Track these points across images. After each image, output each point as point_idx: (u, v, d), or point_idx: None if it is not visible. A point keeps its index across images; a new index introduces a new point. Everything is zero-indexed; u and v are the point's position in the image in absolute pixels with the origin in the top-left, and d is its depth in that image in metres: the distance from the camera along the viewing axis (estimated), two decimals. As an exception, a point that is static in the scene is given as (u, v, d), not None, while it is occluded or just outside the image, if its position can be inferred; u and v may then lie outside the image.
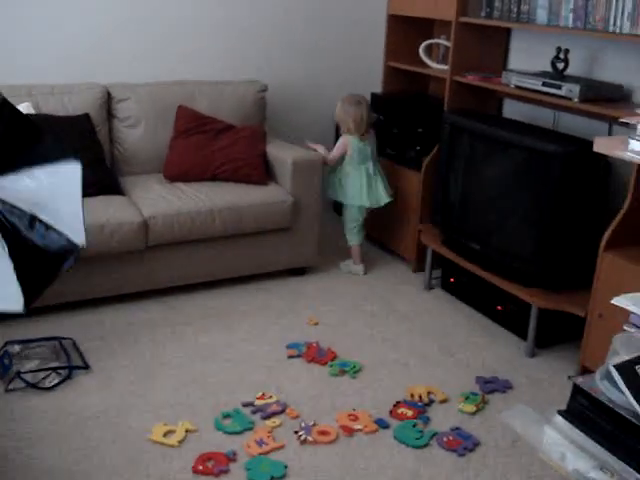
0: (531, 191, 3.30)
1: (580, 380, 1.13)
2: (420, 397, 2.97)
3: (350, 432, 2.73)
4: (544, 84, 3.35)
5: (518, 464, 2.61)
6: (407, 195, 4.17)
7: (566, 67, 3.43)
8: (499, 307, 3.60)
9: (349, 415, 2.82)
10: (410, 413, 2.87)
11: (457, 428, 2.80)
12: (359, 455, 2.62)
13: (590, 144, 3.22)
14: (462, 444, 2.70)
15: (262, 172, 3.93)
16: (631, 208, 3.05)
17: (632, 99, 3.38)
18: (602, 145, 1.28)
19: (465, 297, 3.85)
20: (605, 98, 3.29)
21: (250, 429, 2.70)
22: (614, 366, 1.03)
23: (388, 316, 3.68)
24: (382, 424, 2.79)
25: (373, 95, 4.42)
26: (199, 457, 2.53)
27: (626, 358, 1.09)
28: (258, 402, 2.86)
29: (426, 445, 2.69)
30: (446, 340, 3.47)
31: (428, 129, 4.07)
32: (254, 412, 2.81)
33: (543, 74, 3.49)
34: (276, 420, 2.76)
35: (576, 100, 3.22)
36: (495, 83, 3.71)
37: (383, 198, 4.09)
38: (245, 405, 2.84)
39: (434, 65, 4.16)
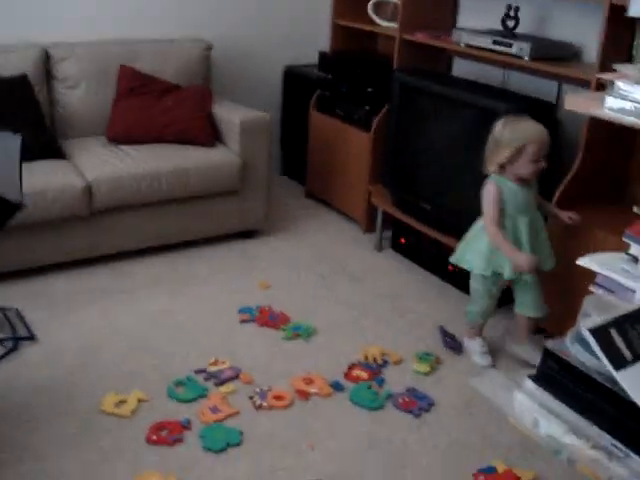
0: (482, 150, 3.28)
1: (551, 344, 1.11)
2: (374, 359, 2.96)
3: (305, 396, 2.71)
4: (495, 42, 3.32)
5: (474, 424, 2.63)
6: (357, 155, 4.12)
7: (516, 25, 3.40)
8: (450, 267, 3.61)
9: (304, 379, 2.79)
10: (365, 375, 2.86)
11: (412, 389, 2.80)
12: (315, 419, 2.60)
13: (540, 102, 3.23)
14: (417, 405, 2.70)
15: (209, 133, 3.83)
16: (581, 167, 3.06)
17: (582, 58, 3.38)
18: (575, 103, 1.21)
19: (416, 258, 3.84)
20: (555, 57, 3.28)
21: (204, 396, 2.65)
22: (589, 330, 1.01)
23: (340, 277, 3.65)
24: (337, 387, 2.77)
25: (321, 54, 4.34)
26: (153, 426, 2.47)
27: (598, 320, 1.07)
28: (211, 368, 2.82)
29: (381, 407, 2.68)
30: (399, 301, 3.47)
31: (377, 88, 4.01)
32: (207, 379, 2.76)
33: (493, 32, 3.46)
34: (230, 386, 2.72)
35: (527, 59, 3.20)
36: (445, 41, 3.66)
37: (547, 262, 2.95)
38: (198, 372, 2.79)
39: (383, 23, 4.09)
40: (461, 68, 3.99)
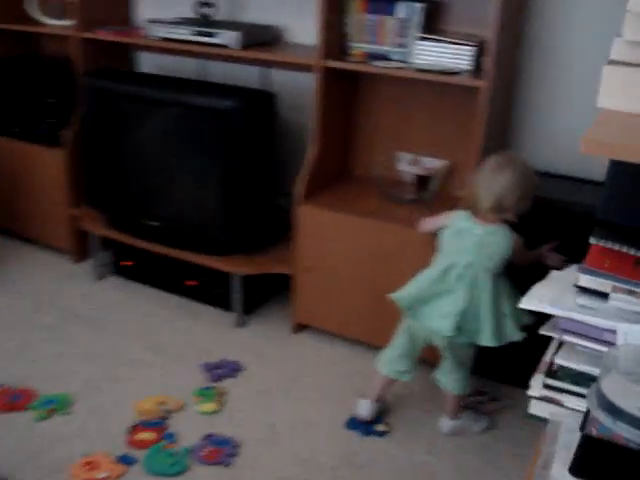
0: (206, 153, 2.99)
1: (591, 430, 0.92)
2: (154, 412, 2.57)
3: (95, 485, 2.25)
4: (197, 33, 3.01)
5: (286, 452, 2.42)
6: (49, 177, 3.53)
7: (214, 12, 3.14)
8: (191, 282, 3.29)
9: (85, 465, 2.30)
10: (152, 436, 2.46)
11: (209, 435, 2.48)
12: (118, 510, 2.17)
13: (262, 93, 3.03)
14: (223, 452, 2.40)
15: None
16: (318, 158, 2.96)
17: (284, 39, 3.24)
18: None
19: (147, 279, 3.43)
20: (261, 42, 3.09)
21: (-30, 531, 2.08)
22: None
23: (72, 324, 3.11)
24: (127, 461, 2.34)
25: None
26: None
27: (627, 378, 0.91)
28: (-37, 489, 2.21)
29: (186, 468, 2.32)
30: (149, 335, 3.06)
31: (59, 97, 3.46)
32: (-36, 505, 2.16)
33: (189, 22, 3.14)
34: (-1, 505, 2.17)
35: (236, 48, 2.96)
36: (133, 36, 3.26)
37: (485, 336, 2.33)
38: (-52, 500, 2.18)
39: (51, 22, 3.50)
40: (149, 63, 3.61)
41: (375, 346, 2.59)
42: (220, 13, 3.24)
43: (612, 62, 1.06)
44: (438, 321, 2.32)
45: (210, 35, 2.97)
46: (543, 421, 1.24)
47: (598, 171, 2.73)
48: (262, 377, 2.82)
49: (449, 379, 2.49)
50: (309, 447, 2.46)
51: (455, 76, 2.64)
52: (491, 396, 2.75)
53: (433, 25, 2.83)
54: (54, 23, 3.48)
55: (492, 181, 2.25)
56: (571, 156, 2.76)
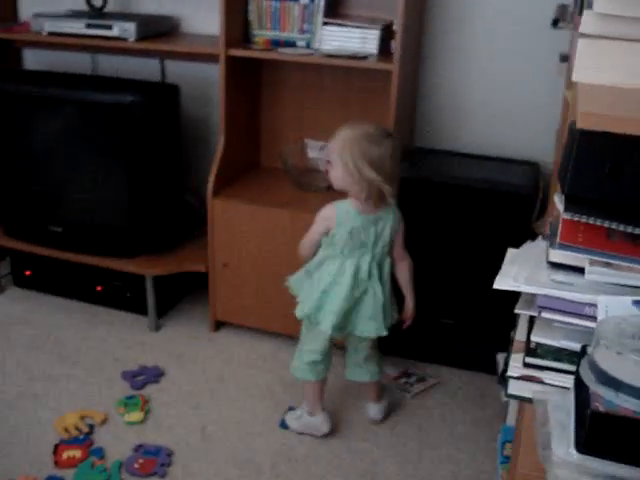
0: (107, 151, 2.86)
1: (597, 405, 0.91)
2: (77, 428, 2.43)
3: (24, 513, 2.12)
4: (89, 26, 2.85)
5: (220, 455, 2.35)
6: None
7: (105, 4, 2.99)
8: (101, 288, 3.14)
9: (10, 491, 2.18)
10: (78, 453, 2.33)
11: (139, 446, 2.37)
12: (51, 535, 2.05)
13: (166, 86, 2.95)
14: (156, 462, 2.30)
15: None
16: (227, 150, 2.88)
17: (181, 29, 3.14)
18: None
19: (53, 288, 3.25)
20: (158, 33, 2.98)
21: None
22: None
23: (-26, 342, 2.93)
24: (56, 482, 2.23)
25: None
26: None
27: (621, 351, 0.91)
28: None
29: (120, 483, 2.23)
30: (61, 347, 2.90)
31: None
32: None
33: (79, 14, 2.98)
34: None
35: (132, 40, 2.83)
36: (19, 32, 3.06)
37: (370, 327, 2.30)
38: None
39: None
40: (38, 60, 3.40)
41: (299, 338, 2.53)
42: (111, 5, 3.09)
43: (583, 35, 1.07)
44: (368, 324, 2.26)
45: (104, 27, 2.83)
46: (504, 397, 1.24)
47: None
48: (186, 380, 2.73)
49: (366, 370, 2.45)
50: (244, 447, 2.40)
51: (364, 60, 2.62)
52: (419, 377, 2.78)
53: (336, 10, 2.81)
54: None
55: (378, 167, 2.11)
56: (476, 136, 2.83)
